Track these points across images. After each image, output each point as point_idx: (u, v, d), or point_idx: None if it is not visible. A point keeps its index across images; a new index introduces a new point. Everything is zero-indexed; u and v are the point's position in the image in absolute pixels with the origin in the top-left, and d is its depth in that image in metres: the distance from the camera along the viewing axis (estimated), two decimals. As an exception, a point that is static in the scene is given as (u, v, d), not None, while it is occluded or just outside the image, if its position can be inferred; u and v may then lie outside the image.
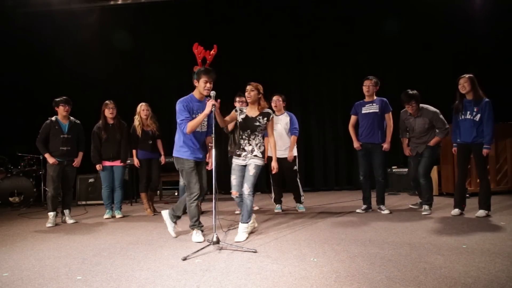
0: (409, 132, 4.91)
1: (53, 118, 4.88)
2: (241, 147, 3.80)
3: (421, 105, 4.72)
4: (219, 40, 7.62)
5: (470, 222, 4.08)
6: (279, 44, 7.62)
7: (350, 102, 5.32)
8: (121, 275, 2.73)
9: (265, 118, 3.78)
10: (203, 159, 3.86)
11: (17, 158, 6.65)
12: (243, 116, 3.78)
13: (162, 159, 5.41)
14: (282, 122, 5.16)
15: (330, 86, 7.67)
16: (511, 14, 6.65)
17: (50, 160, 4.77)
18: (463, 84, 4.29)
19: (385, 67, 7.44)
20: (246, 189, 3.69)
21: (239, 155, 3.79)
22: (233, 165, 3.82)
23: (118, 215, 5.20)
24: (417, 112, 4.72)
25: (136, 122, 5.28)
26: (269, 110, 3.84)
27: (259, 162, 3.75)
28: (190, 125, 3.56)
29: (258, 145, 3.79)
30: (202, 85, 3.70)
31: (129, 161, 5.60)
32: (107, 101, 5.18)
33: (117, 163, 5.21)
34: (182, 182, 5.20)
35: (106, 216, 5.16)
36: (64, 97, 4.89)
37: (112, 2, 7.33)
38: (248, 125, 3.76)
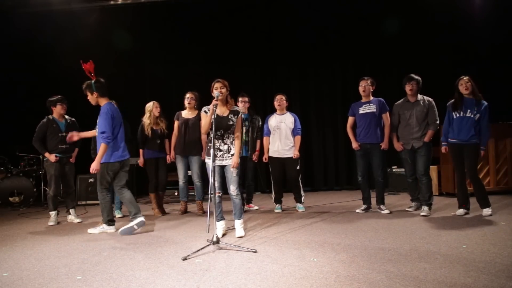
0: (402, 122, 4.76)
1: (50, 117, 4.88)
2: (216, 147, 3.77)
3: (419, 95, 4.71)
4: (219, 40, 7.68)
5: (470, 222, 4.08)
6: (279, 44, 7.63)
7: (350, 102, 5.32)
8: (121, 275, 2.73)
9: (235, 116, 3.79)
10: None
11: (17, 158, 6.64)
12: (214, 116, 3.72)
13: (168, 158, 5.31)
14: (287, 121, 5.18)
15: (330, 85, 7.66)
16: (511, 14, 6.66)
17: (51, 158, 4.77)
18: (465, 85, 4.35)
19: (385, 67, 7.44)
20: (234, 190, 3.78)
21: (215, 156, 3.75)
22: (211, 166, 3.69)
23: (118, 215, 5.20)
24: (415, 96, 4.68)
25: (147, 121, 5.20)
26: (237, 108, 3.88)
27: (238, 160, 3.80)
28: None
29: (233, 142, 3.81)
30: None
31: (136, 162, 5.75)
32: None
33: None
34: (181, 182, 5.22)
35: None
36: (60, 96, 4.90)
37: (112, 2, 7.33)
38: (220, 124, 3.73)
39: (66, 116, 5.01)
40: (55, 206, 4.85)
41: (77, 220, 4.93)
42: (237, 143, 3.82)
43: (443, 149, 4.62)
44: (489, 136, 4.36)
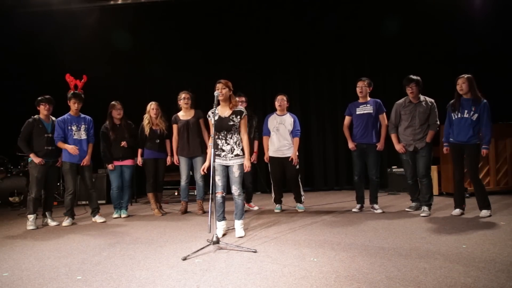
0: (403, 123, 4.72)
1: (36, 117, 4.74)
2: (219, 147, 3.78)
3: (421, 95, 4.69)
4: (219, 40, 7.68)
5: (470, 222, 4.08)
6: (279, 45, 7.62)
7: (350, 102, 5.32)
8: (121, 275, 2.73)
9: (238, 116, 3.78)
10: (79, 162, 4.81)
11: (17, 158, 6.63)
12: (216, 117, 3.75)
13: (169, 159, 5.30)
14: (286, 122, 5.17)
15: (330, 86, 7.66)
16: (511, 13, 6.66)
17: (36, 159, 4.61)
18: (461, 85, 4.30)
19: (386, 67, 7.44)
20: (236, 190, 3.78)
21: (219, 155, 3.78)
22: (216, 165, 3.76)
23: (123, 214, 5.21)
24: (417, 98, 4.66)
25: (146, 121, 5.24)
26: (241, 108, 3.87)
27: (241, 160, 3.79)
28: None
29: (237, 142, 3.80)
30: (72, 105, 4.81)
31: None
32: (114, 102, 5.19)
33: (126, 162, 5.20)
34: (183, 182, 5.21)
35: (115, 215, 5.19)
36: (46, 96, 4.76)
37: (112, 2, 7.33)
38: (222, 125, 3.74)
39: (53, 118, 4.85)
40: (35, 209, 4.68)
41: (54, 223, 4.77)
42: (245, 145, 3.80)
43: (444, 150, 4.62)
44: (491, 135, 4.24)
